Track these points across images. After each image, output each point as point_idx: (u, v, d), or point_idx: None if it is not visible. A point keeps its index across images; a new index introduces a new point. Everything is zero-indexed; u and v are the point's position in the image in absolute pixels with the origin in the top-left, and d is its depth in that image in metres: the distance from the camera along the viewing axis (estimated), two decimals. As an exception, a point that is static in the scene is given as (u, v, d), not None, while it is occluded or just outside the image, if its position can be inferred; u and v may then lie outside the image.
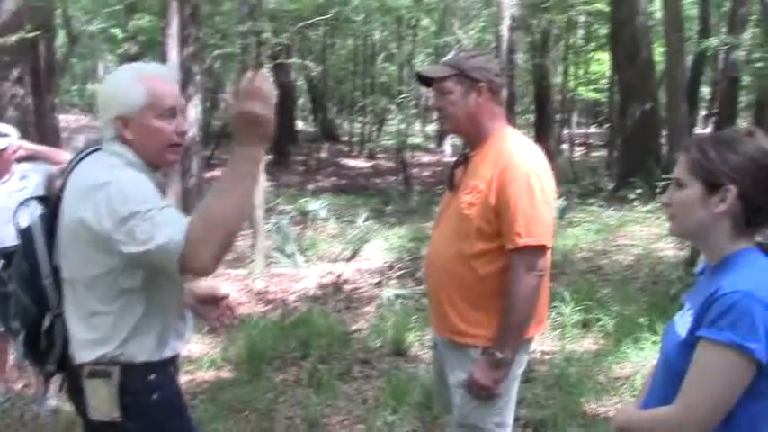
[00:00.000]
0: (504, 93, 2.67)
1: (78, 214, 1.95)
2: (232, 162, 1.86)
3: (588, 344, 5.34)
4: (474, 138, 2.61)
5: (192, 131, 9.13)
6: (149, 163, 2.08)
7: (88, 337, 2.04)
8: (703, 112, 26.33)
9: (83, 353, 2.05)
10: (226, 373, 5.19)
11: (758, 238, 1.70)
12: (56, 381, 2.24)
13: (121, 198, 1.89)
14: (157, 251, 1.82)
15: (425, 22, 20.93)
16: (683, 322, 1.69)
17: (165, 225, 1.83)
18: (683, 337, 1.64)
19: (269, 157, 14.30)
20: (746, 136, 1.68)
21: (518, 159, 2.45)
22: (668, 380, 1.69)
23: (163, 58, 10.70)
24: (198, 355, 5.43)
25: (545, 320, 2.73)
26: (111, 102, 2.03)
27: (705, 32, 17.89)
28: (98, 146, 2.12)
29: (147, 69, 2.10)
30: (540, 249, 2.44)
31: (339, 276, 7.62)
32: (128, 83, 2.02)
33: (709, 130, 22.35)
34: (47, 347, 2.11)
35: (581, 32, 21.44)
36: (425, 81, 2.67)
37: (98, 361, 2.02)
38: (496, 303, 2.48)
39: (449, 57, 2.69)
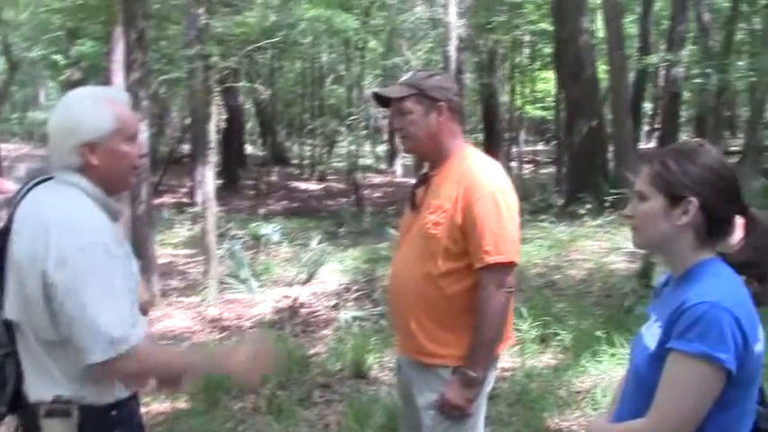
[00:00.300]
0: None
1: (27, 248, 1.86)
2: (205, 359, 2.13)
3: (547, 359, 5.36)
4: (435, 157, 2.59)
5: (141, 158, 8.96)
6: (110, 189, 2.01)
7: (42, 378, 1.93)
8: (646, 128, 27.02)
9: (38, 392, 1.94)
10: (182, 404, 5.05)
11: (718, 248, 1.72)
12: (7, 422, 2.12)
13: (75, 240, 1.84)
14: (93, 331, 1.82)
15: (373, 43, 21.08)
16: (650, 334, 1.69)
17: (119, 315, 1.86)
18: (653, 349, 1.64)
19: (219, 181, 14.14)
20: (700, 148, 1.71)
21: (483, 177, 2.45)
22: (639, 392, 1.68)
23: (107, 84, 10.53)
24: (153, 385, 5.28)
25: (511, 337, 2.72)
26: (75, 128, 1.92)
27: (645, 50, 18.41)
28: (47, 175, 2.05)
29: (108, 94, 2.05)
30: (510, 266, 2.43)
31: (295, 300, 7.53)
32: (94, 108, 1.94)
33: (652, 144, 22.95)
34: None
35: (526, 52, 21.84)
36: (383, 101, 2.65)
37: (56, 400, 1.93)
38: (465, 322, 2.45)
39: (406, 77, 2.67)
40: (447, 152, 2.56)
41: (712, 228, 1.65)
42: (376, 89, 2.75)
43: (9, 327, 1.97)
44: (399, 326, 2.68)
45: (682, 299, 1.58)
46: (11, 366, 1.97)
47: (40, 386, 1.93)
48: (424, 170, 2.71)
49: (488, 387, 2.59)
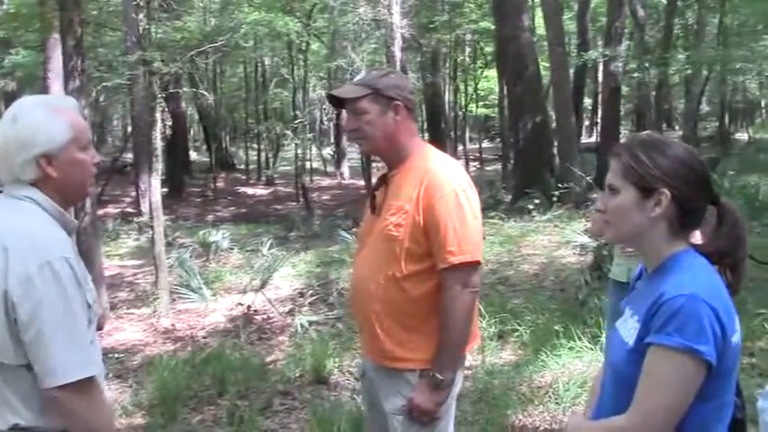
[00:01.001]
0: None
1: None
2: None
3: (507, 355, 5.39)
4: (393, 157, 2.55)
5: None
6: (68, 200, 1.94)
7: None
8: (587, 122, 27.57)
9: None
10: (138, 419, 4.92)
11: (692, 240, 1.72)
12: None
13: (38, 257, 1.75)
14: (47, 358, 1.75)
15: (316, 46, 20.98)
16: (627, 329, 1.68)
17: (81, 339, 1.80)
18: (631, 344, 1.63)
19: (164, 189, 13.89)
20: (667, 139, 1.71)
21: (443, 176, 2.40)
22: (618, 388, 1.67)
23: (44, 93, 10.23)
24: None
25: (477, 336, 2.70)
26: (30, 140, 1.83)
27: (584, 46, 18.76)
28: None
29: (58, 102, 1.96)
30: (474, 265, 2.39)
31: (249, 308, 7.42)
32: (48, 118, 1.86)
33: (593, 138, 23.40)
34: None
35: (468, 51, 22.05)
36: (337, 102, 2.60)
37: (13, 428, 1.83)
38: (430, 324, 2.41)
39: (360, 76, 2.62)
40: (405, 152, 2.51)
41: (685, 218, 1.65)
42: (330, 90, 2.68)
43: None
44: (363, 330, 2.63)
45: (658, 292, 1.57)
46: None
47: None
48: (383, 171, 2.66)
49: (457, 388, 2.56)
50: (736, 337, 1.59)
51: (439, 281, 2.41)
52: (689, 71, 16.37)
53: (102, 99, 18.86)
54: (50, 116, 1.86)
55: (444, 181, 2.39)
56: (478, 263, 2.42)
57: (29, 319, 1.74)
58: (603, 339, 4.67)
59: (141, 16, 8.56)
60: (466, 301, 2.38)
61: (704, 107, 26.94)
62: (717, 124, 26.07)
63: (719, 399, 1.60)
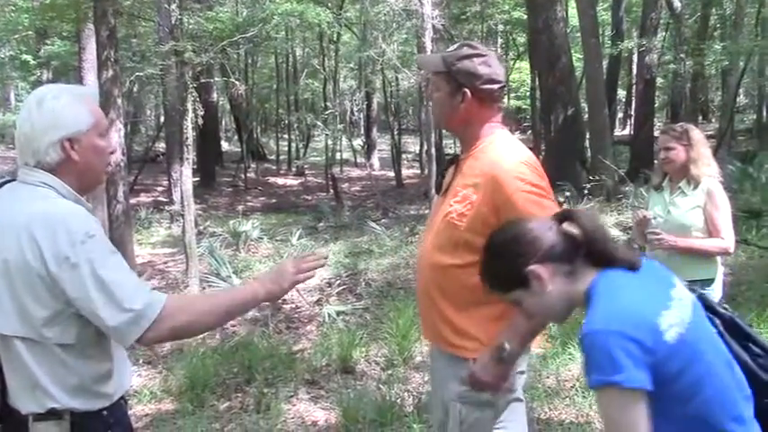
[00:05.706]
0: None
1: (15, 257, 1.79)
2: (252, 290, 2.01)
3: (533, 348, 5.34)
4: (462, 138, 2.53)
5: (117, 157, 8.85)
6: (85, 185, 1.97)
7: (32, 392, 1.86)
8: (620, 114, 27.22)
9: (28, 405, 1.87)
10: (167, 405, 4.99)
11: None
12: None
13: (70, 235, 1.77)
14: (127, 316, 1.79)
15: (347, 36, 20.97)
16: None
17: (133, 285, 1.83)
18: None
19: (195, 179, 14.00)
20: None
21: (507, 165, 2.31)
22: None
23: (79, 83, 10.38)
24: (137, 386, 5.22)
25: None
26: (56, 123, 1.88)
27: (618, 37, 18.50)
28: (7, 177, 1.99)
29: (81, 90, 2.03)
30: None
31: (277, 297, 7.47)
32: (73, 103, 1.92)
33: (627, 131, 23.11)
34: None
35: (500, 41, 21.89)
36: None
37: (48, 411, 1.86)
38: (483, 313, 2.35)
39: (452, 48, 2.50)
40: (473, 137, 2.45)
41: (563, 263, 1.69)
42: (420, 56, 2.70)
43: None
44: (422, 310, 2.60)
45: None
46: None
47: (31, 400, 1.86)
48: (456, 152, 2.64)
49: (522, 378, 2.50)
50: (672, 332, 1.53)
51: None
52: (726, 62, 16.05)
53: (135, 89, 19.07)
54: (76, 102, 1.92)
55: (510, 173, 2.29)
56: None
57: (82, 283, 1.77)
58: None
59: (174, 7, 8.63)
60: None
61: (741, 99, 26.44)
62: (754, 117, 25.57)
63: (699, 395, 1.56)
